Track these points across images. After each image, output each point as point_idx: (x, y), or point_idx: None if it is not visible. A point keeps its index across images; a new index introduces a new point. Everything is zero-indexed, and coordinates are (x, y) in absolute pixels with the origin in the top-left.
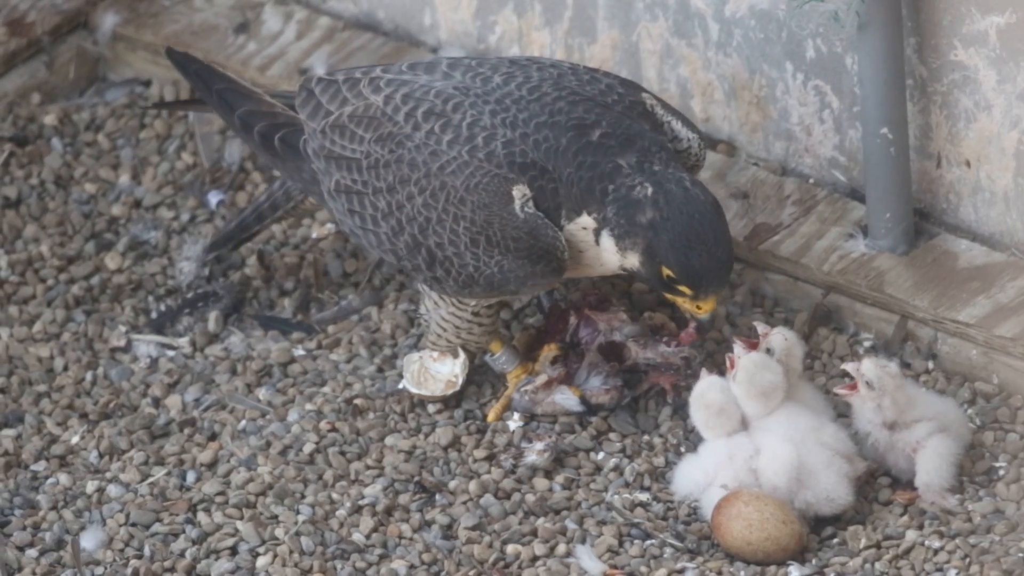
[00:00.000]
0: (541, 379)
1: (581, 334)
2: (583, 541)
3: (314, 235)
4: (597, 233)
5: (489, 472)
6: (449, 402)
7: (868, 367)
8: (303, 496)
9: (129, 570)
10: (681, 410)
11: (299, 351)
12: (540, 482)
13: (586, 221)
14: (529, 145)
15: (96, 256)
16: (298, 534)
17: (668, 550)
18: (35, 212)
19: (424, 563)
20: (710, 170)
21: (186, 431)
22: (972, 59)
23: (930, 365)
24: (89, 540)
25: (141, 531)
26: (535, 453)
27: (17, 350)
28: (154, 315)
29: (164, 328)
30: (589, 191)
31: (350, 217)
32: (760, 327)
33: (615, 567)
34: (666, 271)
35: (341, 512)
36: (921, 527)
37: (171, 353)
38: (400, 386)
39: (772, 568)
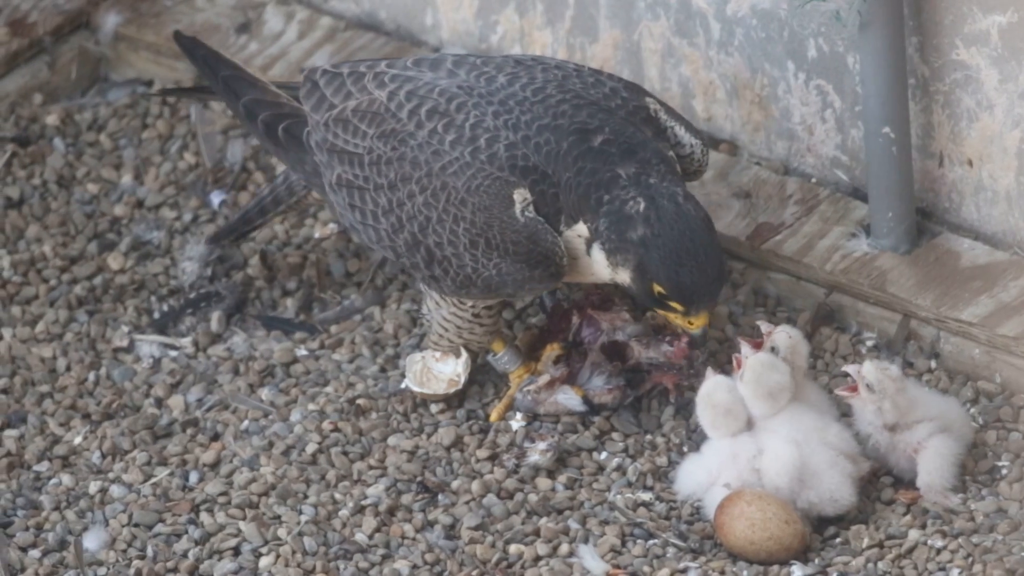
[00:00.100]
0: (544, 379)
1: (584, 334)
2: (586, 541)
3: (316, 235)
4: (588, 244)
5: (492, 472)
6: (452, 402)
7: (869, 370)
8: (306, 496)
9: (132, 571)
10: (684, 410)
11: (302, 351)
12: (543, 482)
13: (581, 229)
14: (531, 148)
15: (99, 256)
16: (301, 534)
17: (671, 550)
18: (37, 212)
19: (427, 563)
20: (712, 169)
21: (189, 431)
22: (974, 58)
23: (933, 364)
24: (92, 541)
25: (144, 531)
26: (538, 453)
27: (20, 350)
28: (157, 315)
29: (167, 328)
30: (585, 199)
31: (351, 212)
32: (764, 326)
33: (618, 567)
34: (657, 288)
35: (344, 512)
36: (924, 526)
37: (174, 353)
38: (403, 386)
39: (775, 568)
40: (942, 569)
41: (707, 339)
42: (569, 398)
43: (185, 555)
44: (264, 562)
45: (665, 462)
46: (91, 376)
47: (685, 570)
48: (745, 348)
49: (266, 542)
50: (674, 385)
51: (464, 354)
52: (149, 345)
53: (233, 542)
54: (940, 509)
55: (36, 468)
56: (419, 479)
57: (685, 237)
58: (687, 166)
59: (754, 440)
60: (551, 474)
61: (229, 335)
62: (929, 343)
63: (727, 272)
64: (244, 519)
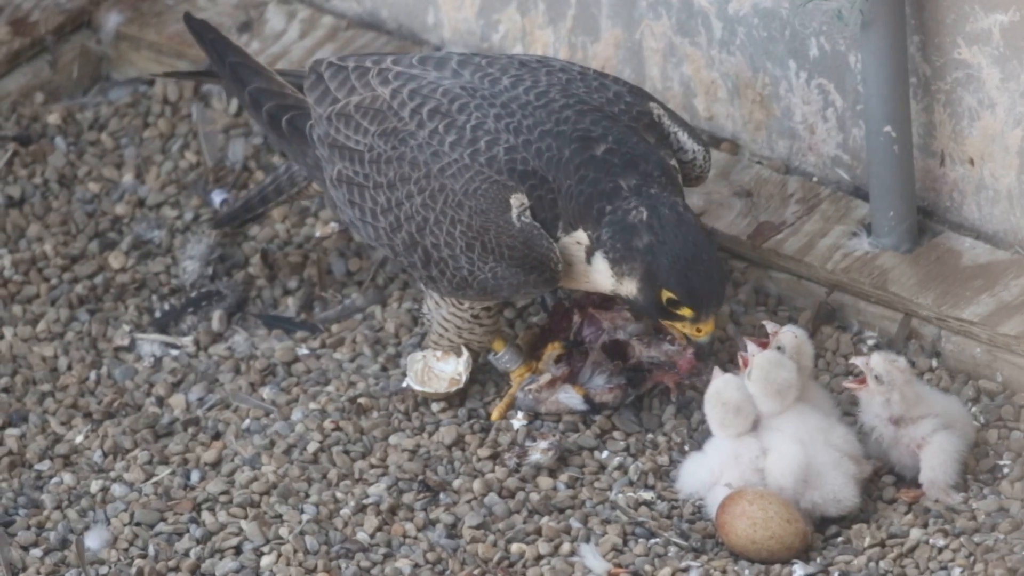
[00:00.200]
0: (545, 378)
1: (585, 332)
2: (587, 540)
3: (317, 234)
4: (590, 252)
5: (493, 471)
6: (453, 401)
7: (877, 361)
8: (307, 495)
9: (133, 569)
10: (685, 408)
11: (303, 350)
12: (544, 481)
13: (580, 236)
14: (531, 153)
15: (100, 255)
16: (302, 533)
17: (672, 549)
18: (39, 211)
19: (428, 562)
20: (714, 168)
21: (190, 430)
22: (976, 57)
23: (934, 363)
24: (93, 539)
25: (145, 530)
26: (539, 452)
27: (21, 349)
28: (158, 314)
29: (168, 327)
30: (587, 208)
31: (350, 208)
32: (770, 326)
33: (619, 566)
34: (667, 294)
35: (345, 511)
36: (925, 525)
37: (175, 352)
38: (404, 385)
39: (776, 567)
40: (944, 568)
41: (713, 348)
42: (570, 397)
43: (187, 554)
44: (265, 561)
45: (666, 461)
46: (92, 375)
47: (687, 569)
48: (752, 347)
49: (267, 541)
50: (675, 384)
51: (465, 353)
52: (150, 344)
53: (235, 541)
54: (942, 508)
55: (37, 467)
56: (420, 478)
57: (689, 243)
58: (689, 172)
59: (757, 440)
60: (552, 473)
61: (230, 334)
62: (930, 342)
63: (729, 278)
64: (245, 518)
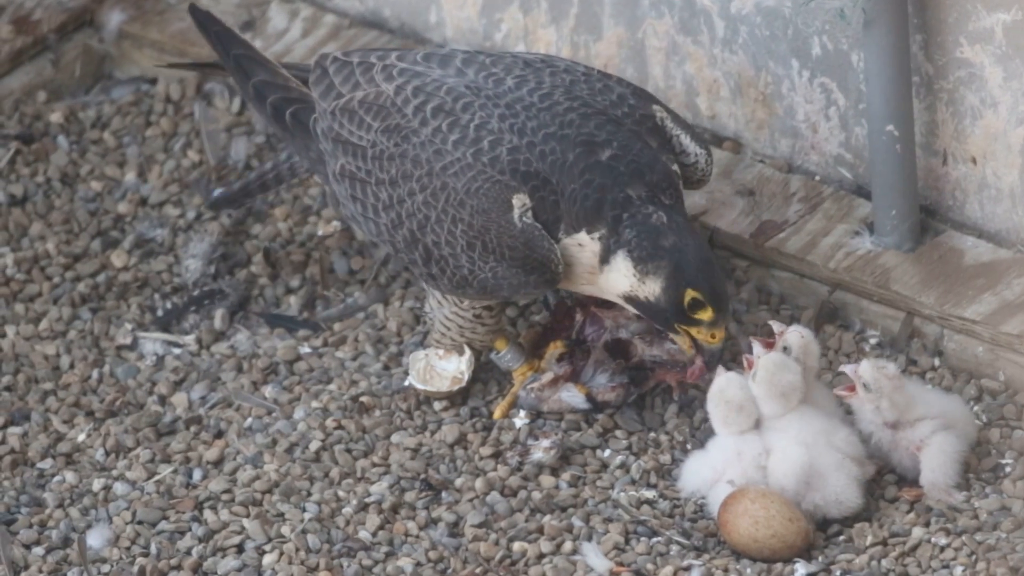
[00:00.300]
0: (547, 376)
1: (587, 331)
2: (589, 538)
3: (320, 233)
4: (607, 252)
5: (495, 469)
6: (455, 399)
7: (865, 369)
8: (309, 494)
9: (135, 568)
10: (687, 407)
11: (305, 349)
12: (546, 479)
13: (583, 239)
14: (535, 155)
15: (102, 254)
16: (304, 532)
17: (674, 547)
18: (41, 210)
19: (430, 561)
20: (716, 167)
21: (192, 429)
22: (978, 56)
23: (936, 362)
24: (95, 538)
25: (147, 529)
26: (541, 450)
27: (23, 348)
28: (160, 313)
29: (170, 326)
30: (596, 212)
31: (352, 203)
32: (776, 326)
33: (621, 564)
34: (691, 293)
35: (347, 510)
36: (927, 524)
37: (177, 351)
38: (406, 383)
39: (778, 565)
40: (946, 567)
41: (722, 358)
42: (572, 396)
43: (189, 552)
44: (268, 559)
45: (668, 460)
46: (94, 374)
47: (688, 568)
48: (757, 348)
49: (269, 539)
50: (677, 383)
51: (467, 352)
52: (152, 342)
53: (237, 539)
54: (944, 507)
55: (40, 465)
56: (422, 476)
57: (703, 248)
58: (691, 175)
59: (760, 439)
60: (555, 472)
61: (232, 332)
62: (933, 341)
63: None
64: (247, 516)
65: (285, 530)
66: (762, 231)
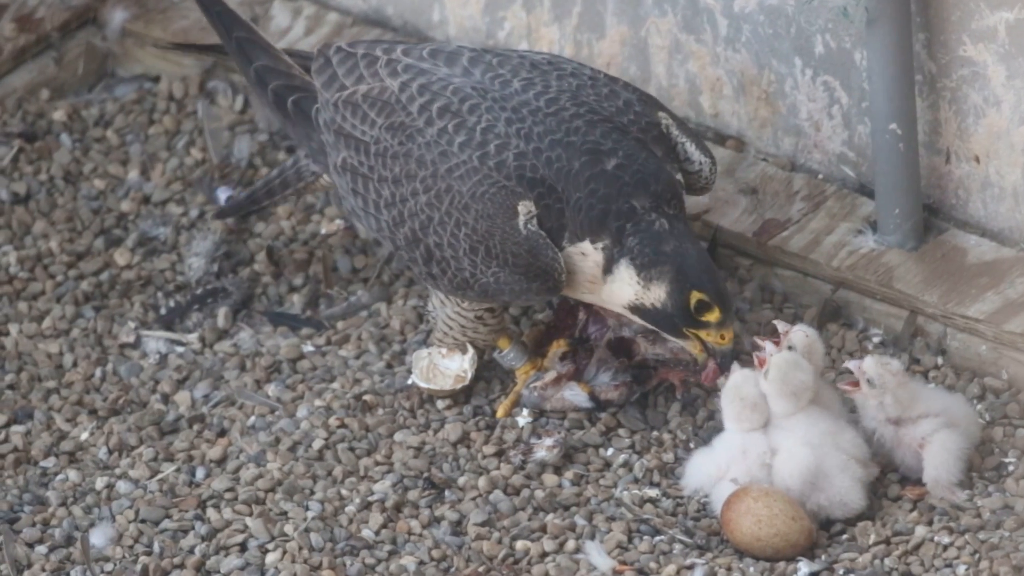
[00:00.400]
0: (550, 375)
1: (590, 330)
2: (592, 537)
3: (323, 231)
4: (610, 261)
5: (498, 468)
6: (458, 398)
7: (869, 365)
8: (312, 492)
9: (138, 567)
10: (690, 406)
11: (308, 347)
12: (549, 478)
13: (586, 248)
14: (541, 161)
15: (105, 252)
16: (307, 530)
17: (677, 546)
18: (44, 208)
19: (433, 559)
20: (719, 166)
21: (195, 427)
22: (981, 55)
23: (939, 361)
24: (98, 536)
25: (150, 527)
26: (544, 449)
27: (26, 346)
28: (163, 311)
29: (173, 324)
30: (601, 222)
31: (353, 196)
32: (781, 325)
33: (624, 563)
34: (697, 296)
35: (350, 508)
36: (930, 523)
37: (180, 349)
38: (409, 382)
39: (781, 564)
40: (949, 565)
41: (735, 356)
42: (575, 394)
43: (192, 551)
44: (271, 558)
45: (672, 458)
46: (98, 372)
47: (691, 566)
48: (769, 346)
49: (273, 538)
50: (680, 381)
51: (470, 350)
52: (156, 341)
53: (240, 538)
54: (947, 506)
55: (43, 464)
56: (426, 475)
57: (704, 253)
58: (694, 183)
59: (766, 437)
60: (558, 470)
61: (235, 331)
62: (936, 339)
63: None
64: (251, 515)
65: (288, 528)
66: (765, 230)
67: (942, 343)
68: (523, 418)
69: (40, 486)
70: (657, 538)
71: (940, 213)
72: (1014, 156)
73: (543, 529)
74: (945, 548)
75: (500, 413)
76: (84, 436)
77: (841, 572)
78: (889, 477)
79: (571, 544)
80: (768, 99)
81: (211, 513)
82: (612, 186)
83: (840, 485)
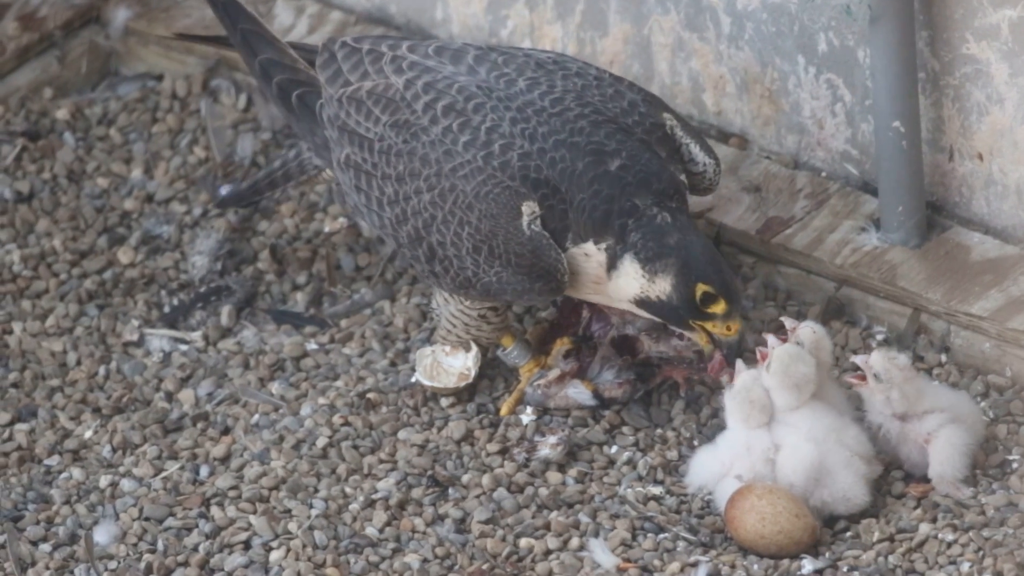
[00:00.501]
0: (554, 373)
1: (594, 328)
2: (596, 535)
3: (326, 229)
4: (614, 258)
5: (502, 466)
6: (462, 396)
7: (876, 360)
8: (316, 490)
9: (142, 564)
10: (694, 403)
11: (312, 345)
12: (553, 476)
13: (590, 249)
14: (545, 162)
15: (108, 250)
16: (311, 528)
17: (681, 543)
18: (47, 206)
19: (437, 557)
20: (723, 164)
21: (199, 425)
22: (984, 52)
23: (943, 358)
24: (102, 534)
25: (154, 525)
26: (548, 447)
27: (30, 344)
28: (167, 309)
29: (177, 322)
30: (604, 223)
31: (356, 193)
32: (788, 322)
33: (628, 560)
34: (702, 288)
35: (354, 506)
36: (934, 520)
37: (184, 347)
38: (413, 380)
39: (785, 561)
40: (952, 563)
41: (742, 348)
42: (579, 392)
43: (195, 549)
44: (274, 556)
45: (675, 456)
46: (101, 370)
47: (695, 564)
48: (772, 340)
49: (276, 536)
50: (684, 379)
51: (474, 348)
52: (159, 339)
53: (243, 536)
54: (951, 503)
55: (46, 462)
56: (429, 473)
57: (709, 244)
58: (697, 183)
59: (770, 434)
60: (561, 468)
61: (239, 329)
62: (939, 337)
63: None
64: (254, 513)
65: (292, 526)
66: (768, 227)
67: (945, 340)
68: (527, 416)
69: (44, 484)
70: (661, 535)
71: (943, 211)
72: (1017, 154)
73: (547, 527)
74: (949, 545)
75: (504, 411)
76: (88, 434)
77: (845, 569)
78: (893, 474)
79: (575, 542)
80: (771, 97)
81: (215, 511)
82: (615, 187)
83: (844, 481)
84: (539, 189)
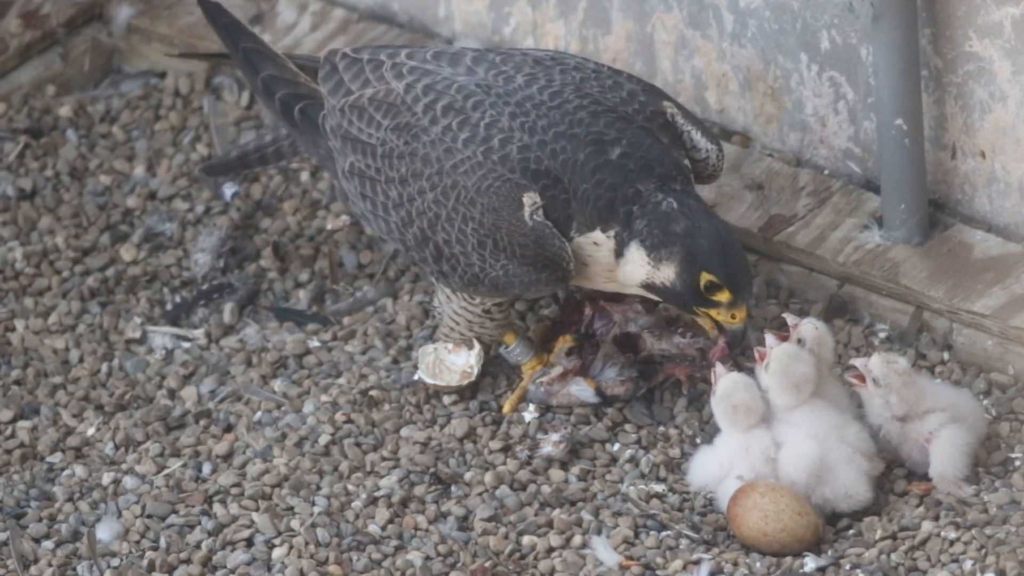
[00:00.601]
0: (556, 370)
1: (596, 325)
2: (599, 532)
3: (329, 227)
4: (621, 245)
5: (505, 463)
6: (464, 393)
7: (875, 364)
8: (319, 488)
9: (145, 562)
10: (696, 401)
11: (314, 342)
12: (556, 473)
13: (598, 237)
14: (546, 153)
15: (111, 248)
16: (314, 525)
17: (684, 541)
18: (50, 204)
19: (440, 554)
20: (725, 161)
21: (201, 423)
22: (987, 50)
23: (945, 356)
24: (105, 532)
25: (157, 523)
26: (550, 444)
27: (32, 342)
28: (169, 307)
29: (179, 320)
30: (609, 210)
31: (362, 200)
32: (790, 318)
33: (631, 558)
34: (706, 276)
35: (357, 503)
36: (937, 518)
37: (186, 345)
38: (415, 377)
39: (788, 559)
40: (955, 560)
41: (747, 336)
42: (582, 390)
43: (198, 546)
44: (277, 553)
45: (678, 453)
46: (104, 367)
47: (698, 561)
48: (770, 339)
49: (279, 533)
50: (687, 377)
51: (477, 346)
52: (162, 336)
53: (246, 533)
54: (953, 501)
55: (49, 459)
56: (432, 470)
57: (719, 230)
58: (701, 171)
59: (769, 433)
60: (564, 465)
61: (242, 326)
62: (942, 335)
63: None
64: (257, 510)
65: (294, 524)
66: (771, 225)
67: (948, 338)
68: (529, 413)
69: (46, 481)
70: (663, 533)
71: (946, 208)
72: (1020, 151)
73: (549, 524)
74: (951, 543)
75: (506, 408)
76: (90, 432)
77: (847, 567)
78: (895, 472)
79: (577, 539)
80: (774, 95)
81: (217, 508)
82: (618, 174)
83: (845, 478)
84: (539, 180)
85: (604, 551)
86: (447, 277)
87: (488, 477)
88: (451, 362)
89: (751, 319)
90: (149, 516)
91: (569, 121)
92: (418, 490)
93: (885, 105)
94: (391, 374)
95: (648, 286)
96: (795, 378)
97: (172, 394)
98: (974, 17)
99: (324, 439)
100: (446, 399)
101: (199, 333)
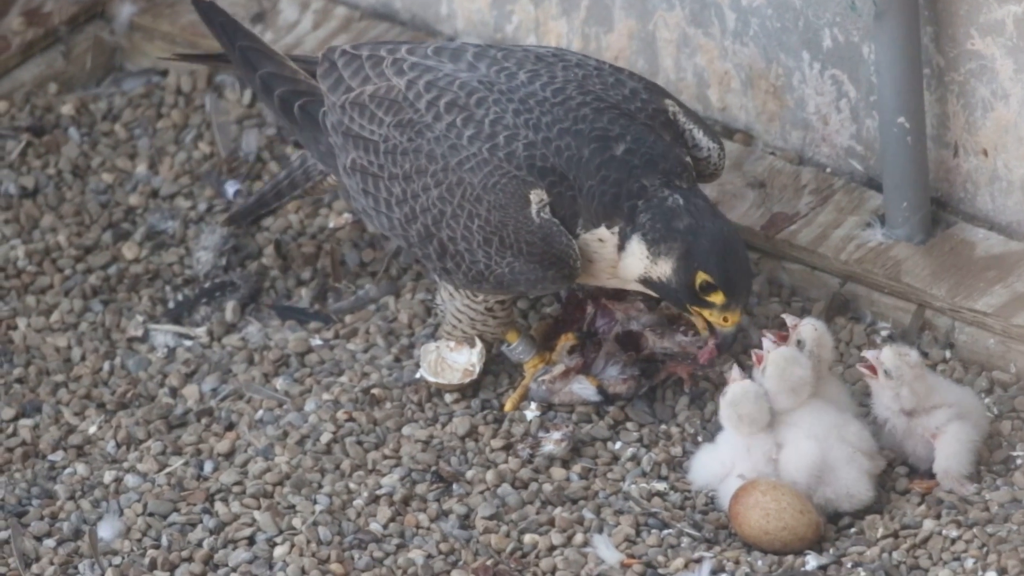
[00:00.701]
0: (558, 369)
1: (598, 323)
2: (600, 531)
3: (331, 225)
4: (623, 239)
5: (506, 462)
6: (466, 392)
7: (887, 356)
8: (320, 486)
9: (146, 560)
10: (698, 399)
11: (316, 341)
12: (557, 471)
13: (603, 234)
14: (551, 150)
15: (113, 246)
16: (315, 524)
17: (685, 539)
18: (52, 202)
19: (441, 553)
20: (727, 159)
21: (203, 421)
22: (989, 48)
23: (947, 354)
24: (106, 530)
25: (158, 521)
26: (552, 443)
27: (34, 340)
28: (171, 305)
29: (181, 318)
30: (614, 207)
31: (364, 197)
32: (789, 319)
33: (632, 556)
34: (702, 276)
35: (358, 502)
36: (939, 516)
37: (188, 343)
38: (417, 375)
39: (789, 558)
40: (957, 559)
41: (736, 341)
42: (584, 388)
43: (200, 544)
44: (279, 551)
45: (679, 452)
46: (106, 366)
47: (699, 560)
48: (767, 342)
49: (281, 532)
50: (688, 375)
51: (478, 344)
52: (164, 335)
53: (248, 531)
54: (955, 499)
55: (51, 458)
56: (434, 469)
57: (724, 231)
58: (703, 169)
59: (771, 434)
60: (566, 464)
61: (244, 325)
62: (944, 333)
63: (755, 273)
64: (259, 509)
65: (296, 522)
66: (773, 223)
67: (950, 337)
68: (531, 412)
69: (48, 480)
70: (665, 531)
71: (948, 207)
72: (1022, 150)
73: (551, 523)
74: (953, 542)
75: (508, 407)
76: (92, 430)
77: (849, 565)
78: (897, 471)
79: (579, 538)
80: (776, 93)
81: (219, 507)
82: (622, 170)
83: (846, 477)
84: (546, 177)
85: (605, 549)
86: (451, 274)
87: (490, 475)
88: (453, 360)
89: (752, 318)
90: (151, 514)
91: (573, 118)
92: (420, 488)
93: (887, 103)
94: (393, 372)
95: (645, 280)
96: (792, 382)
97: (174, 392)
98: (976, 15)
99: (326, 437)
100: (448, 397)
101: (201, 331)
